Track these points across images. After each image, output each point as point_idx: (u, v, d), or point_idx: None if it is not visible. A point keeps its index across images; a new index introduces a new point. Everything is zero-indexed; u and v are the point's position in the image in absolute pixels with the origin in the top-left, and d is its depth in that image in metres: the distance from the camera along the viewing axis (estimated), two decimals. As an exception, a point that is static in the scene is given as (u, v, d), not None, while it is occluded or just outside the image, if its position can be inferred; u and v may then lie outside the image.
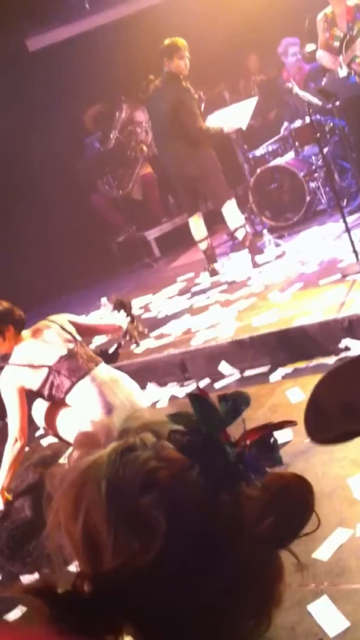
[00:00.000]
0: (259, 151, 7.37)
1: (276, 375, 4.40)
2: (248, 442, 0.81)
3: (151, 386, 5.05)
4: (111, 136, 8.58)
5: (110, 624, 0.76)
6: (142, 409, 0.89)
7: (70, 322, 3.96)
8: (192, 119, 5.94)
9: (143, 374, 5.12)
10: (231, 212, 6.23)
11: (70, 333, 3.88)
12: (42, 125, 8.27)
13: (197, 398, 0.81)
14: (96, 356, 3.93)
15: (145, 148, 8.52)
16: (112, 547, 0.77)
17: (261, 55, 8.34)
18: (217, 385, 4.66)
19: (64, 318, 3.99)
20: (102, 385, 3.72)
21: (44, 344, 3.79)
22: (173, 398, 4.80)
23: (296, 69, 7.68)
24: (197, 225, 6.44)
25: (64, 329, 3.88)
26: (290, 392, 4.06)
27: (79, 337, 3.89)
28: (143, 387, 5.05)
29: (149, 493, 0.76)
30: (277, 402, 4.06)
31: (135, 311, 6.38)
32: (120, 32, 8.43)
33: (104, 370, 3.84)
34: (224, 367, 4.73)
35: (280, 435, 3.06)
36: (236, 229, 6.28)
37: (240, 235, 6.28)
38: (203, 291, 6.17)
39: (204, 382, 4.77)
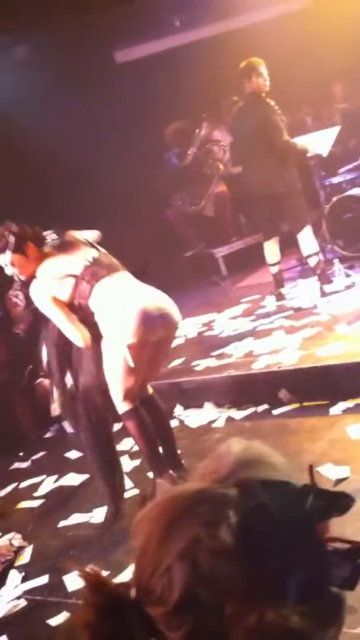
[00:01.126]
0: (337, 179, 7.33)
1: (337, 409, 4.35)
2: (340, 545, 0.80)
3: (208, 405, 5.05)
4: (189, 152, 8.66)
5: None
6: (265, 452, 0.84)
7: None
8: (278, 133, 5.98)
9: (201, 393, 5.14)
10: (307, 237, 6.20)
11: (92, 244, 3.91)
12: (126, 138, 8.43)
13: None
14: (120, 265, 3.91)
15: (221, 166, 8.56)
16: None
17: (347, 84, 8.30)
18: (275, 412, 4.63)
19: (86, 233, 4.03)
20: (119, 286, 3.74)
21: (69, 255, 3.82)
22: (229, 420, 4.79)
23: None
24: (272, 249, 6.43)
25: (87, 240, 3.93)
26: (350, 428, 4.01)
27: (102, 249, 3.92)
28: (200, 405, 5.08)
29: (185, 559, 0.78)
30: (336, 437, 4.00)
31: (198, 328, 6.42)
32: (207, 51, 8.53)
33: (124, 275, 3.85)
34: (283, 394, 4.70)
35: (338, 472, 3.06)
36: (310, 256, 6.24)
37: (312, 262, 6.24)
38: (268, 315, 6.15)
39: (262, 408, 4.75)
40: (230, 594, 0.76)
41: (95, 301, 3.72)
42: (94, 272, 3.75)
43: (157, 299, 3.82)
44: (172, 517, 0.84)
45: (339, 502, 0.82)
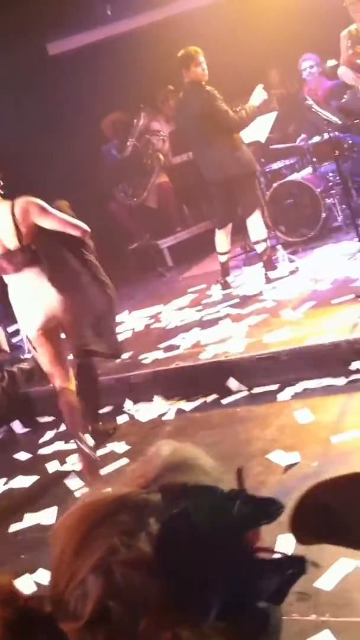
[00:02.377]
0: (277, 165, 7.35)
1: (285, 395, 4.35)
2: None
3: (157, 399, 5.01)
4: (128, 144, 8.57)
5: None
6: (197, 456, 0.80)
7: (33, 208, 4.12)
8: (224, 116, 5.92)
9: (150, 386, 5.09)
10: (256, 223, 6.19)
11: (19, 229, 4.10)
12: (63, 130, 8.29)
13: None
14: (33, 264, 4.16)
15: (161, 157, 8.50)
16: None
17: (282, 70, 8.31)
18: (225, 401, 4.61)
19: (28, 205, 4.14)
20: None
21: None
22: (180, 412, 4.75)
23: (316, 85, 7.65)
24: (223, 238, 6.40)
25: (16, 223, 4.09)
26: (298, 413, 4.01)
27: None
28: (150, 399, 5.03)
29: (100, 570, 0.74)
30: (285, 423, 4.00)
31: (145, 321, 6.38)
32: (141, 40, 8.43)
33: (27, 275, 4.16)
34: (232, 383, 4.69)
35: (287, 458, 3.03)
36: (258, 242, 6.24)
37: (260, 248, 6.24)
38: (214, 304, 6.13)
39: (211, 398, 4.73)
40: (145, 609, 0.71)
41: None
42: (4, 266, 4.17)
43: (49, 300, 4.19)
44: (90, 525, 0.78)
45: (267, 508, 0.77)
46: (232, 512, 0.75)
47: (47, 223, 4.12)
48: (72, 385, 4.33)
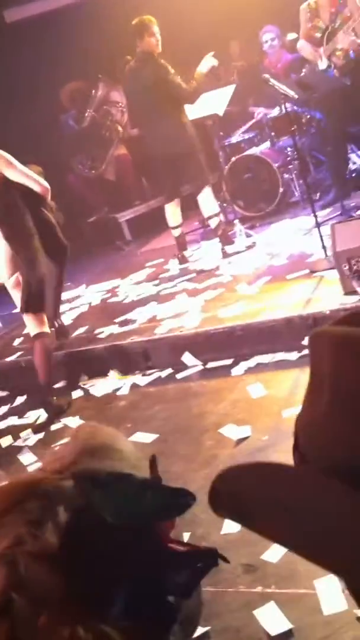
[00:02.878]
0: (235, 138, 7.32)
1: (239, 369, 4.38)
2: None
3: (112, 373, 4.99)
4: (86, 115, 8.43)
5: None
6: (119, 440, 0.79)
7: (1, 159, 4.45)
8: (176, 88, 5.86)
9: (105, 361, 5.07)
10: (207, 199, 6.17)
11: None
12: (21, 99, 8.10)
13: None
14: None
15: (120, 129, 8.39)
16: None
17: (242, 42, 8.24)
18: (179, 376, 4.62)
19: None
20: None
21: None
22: (134, 387, 4.75)
23: (277, 57, 7.61)
24: (174, 212, 6.36)
25: None
26: (251, 388, 4.04)
27: None
28: (105, 374, 5.01)
29: (4, 560, 0.72)
30: (238, 397, 4.03)
31: (102, 295, 6.34)
32: (100, 8, 8.26)
33: None
34: (187, 358, 4.69)
35: (239, 432, 3.04)
36: (210, 217, 6.23)
37: (213, 223, 6.23)
38: (171, 279, 6.11)
39: (166, 372, 4.73)
40: (47, 603, 0.69)
41: None
42: None
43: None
44: None
45: (178, 500, 0.75)
46: (144, 502, 0.74)
47: (11, 174, 4.43)
48: (47, 328, 4.62)
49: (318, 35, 6.03)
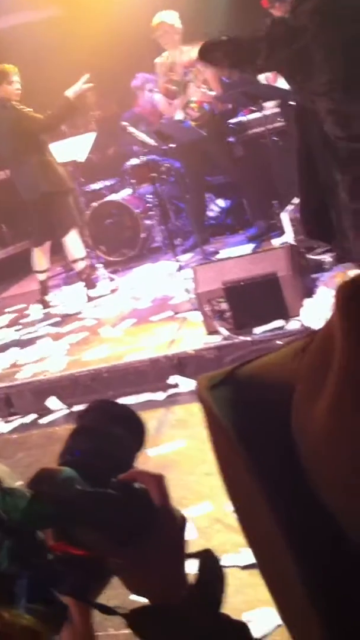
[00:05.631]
0: (96, 185, 7.39)
1: (105, 412, 4.33)
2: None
3: (-26, 421, 4.78)
4: None
5: None
6: None
7: None
8: (36, 122, 5.88)
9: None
10: (74, 242, 6.15)
11: None
12: None
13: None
14: None
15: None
16: None
17: (98, 92, 8.39)
18: (43, 421, 4.50)
19: None
20: None
21: None
22: (-4, 434, 4.57)
23: (146, 104, 7.76)
24: (40, 256, 6.28)
25: None
26: (118, 429, 4.00)
27: None
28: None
29: None
30: (104, 439, 3.97)
31: None
32: None
33: None
34: (52, 402, 4.59)
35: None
36: (76, 261, 6.20)
37: (78, 267, 6.21)
38: (33, 323, 6.00)
39: (30, 418, 4.60)
40: None
41: None
42: None
43: None
44: None
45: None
46: (27, 510, 0.71)
47: None
48: None
49: (173, 88, 6.28)
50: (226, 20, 6.65)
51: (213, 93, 6.11)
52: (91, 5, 8.13)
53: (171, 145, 6.31)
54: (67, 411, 4.52)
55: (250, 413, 0.58)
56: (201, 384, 0.61)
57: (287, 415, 0.55)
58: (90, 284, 6.19)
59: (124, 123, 5.59)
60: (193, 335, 4.52)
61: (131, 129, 5.44)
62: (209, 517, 2.97)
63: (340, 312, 0.50)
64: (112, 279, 6.38)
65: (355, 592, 0.52)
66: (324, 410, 0.51)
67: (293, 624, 0.58)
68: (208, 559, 0.76)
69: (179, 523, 0.76)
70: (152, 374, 4.39)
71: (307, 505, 0.52)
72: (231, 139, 6.29)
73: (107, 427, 0.83)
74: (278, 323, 4.18)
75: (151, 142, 5.57)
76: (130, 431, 0.83)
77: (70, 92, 5.96)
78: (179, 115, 6.21)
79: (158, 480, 0.75)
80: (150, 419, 4.01)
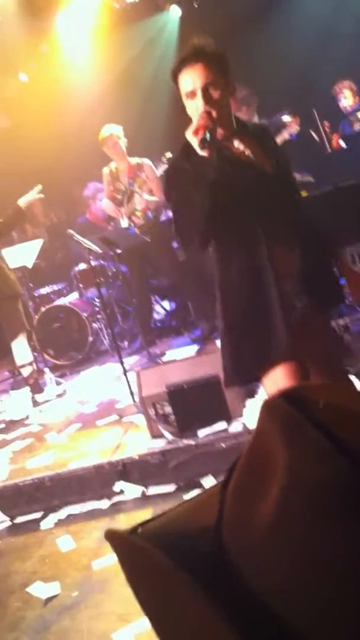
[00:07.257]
0: (45, 290, 7.47)
1: (48, 522, 4.21)
2: None
3: None
4: None
5: None
6: None
7: None
8: None
9: None
10: (21, 347, 6.13)
11: None
12: None
13: None
14: None
15: None
16: None
17: (45, 201, 8.62)
18: (-15, 534, 4.35)
19: None
20: None
21: None
22: None
23: (96, 211, 7.99)
24: None
25: None
26: (60, 541, 3.88)
27: None
28: None
29: None
30: (47, 552, 3.84)
31: None
32: None
33: None
34: (-6, 513, 4.44)
35: (47, 589, 2.90)
36: (23, 366, 6.17)
37: (25, 372, 6.17)
38: (-22, 431, 5.88)
39: (-30, 531, 4.43)
40: None
41: None
42: None
43: None
44: None
45: None
46: None
47: None
48: None
49: (119, 196, 6.50)
50: (166, 134, 7.00)
51: (156, 199, 6.34)
52: (40, 117, 8.48)
53: (117, 250, 6.47)
54: (9, 523, 4.38)
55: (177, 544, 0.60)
56: (116, 534, 0.62)
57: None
58: (37, 389, 6.15)
59: (70, 231, 5.73)
60: (138, 439, 4.49)
61: (77, 236, 5.57)
62: (153, 634, 2.86)
63: (280, 425, 0.53)
64: (59, 383, 6.35)
65: None
66: (269, 516, 0.51)
67: None
68: None
69: None
70: (96, 481, 4.31)
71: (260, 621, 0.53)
72: (175, 244, 6.49)
73: None
74: (221, 425, 4.20)
75: (97, 249, 5.70)
76: None
77: (22, 201, 6.08)
78: (124, 223, 6.42)
79: None
80: (95, 530, 3.92)
